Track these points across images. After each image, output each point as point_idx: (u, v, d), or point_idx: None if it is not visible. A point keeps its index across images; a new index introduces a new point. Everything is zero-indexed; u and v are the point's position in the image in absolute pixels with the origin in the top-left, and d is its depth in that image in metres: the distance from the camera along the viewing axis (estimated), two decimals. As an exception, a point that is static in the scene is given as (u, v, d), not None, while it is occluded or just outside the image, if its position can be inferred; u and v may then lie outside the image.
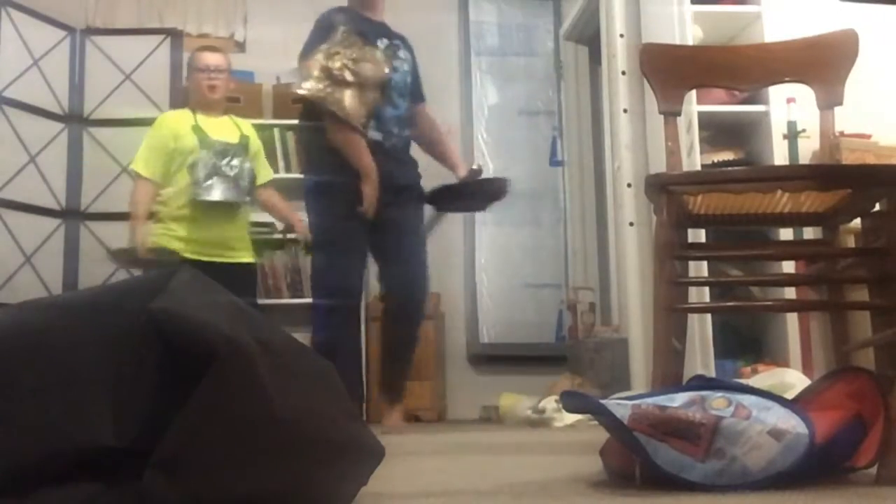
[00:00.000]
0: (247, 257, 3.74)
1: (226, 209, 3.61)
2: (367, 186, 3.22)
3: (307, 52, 3.29)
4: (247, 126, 3.87)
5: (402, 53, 3.46)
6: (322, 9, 5.02)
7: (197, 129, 3.64)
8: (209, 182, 3.56)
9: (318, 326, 3.33)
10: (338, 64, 3.17)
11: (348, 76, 3.17)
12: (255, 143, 3.85)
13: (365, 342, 4.31)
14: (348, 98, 3.17)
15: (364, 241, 3.32)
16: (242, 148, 3.70)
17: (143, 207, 3.60)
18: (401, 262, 3.38)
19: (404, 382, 3.54)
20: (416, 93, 3.57)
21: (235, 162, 3.62)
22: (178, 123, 3.68)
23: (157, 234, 3.61)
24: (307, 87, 3.18)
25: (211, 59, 3.75)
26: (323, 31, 3.30)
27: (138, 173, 3.67)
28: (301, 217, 3.68)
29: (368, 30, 3.33)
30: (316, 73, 3.17)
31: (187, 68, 3.90)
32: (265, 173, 3.90)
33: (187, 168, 3.58)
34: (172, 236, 3.60)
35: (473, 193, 3.50)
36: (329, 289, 3.28)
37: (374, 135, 3.31)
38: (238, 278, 3.57)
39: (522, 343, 5.18)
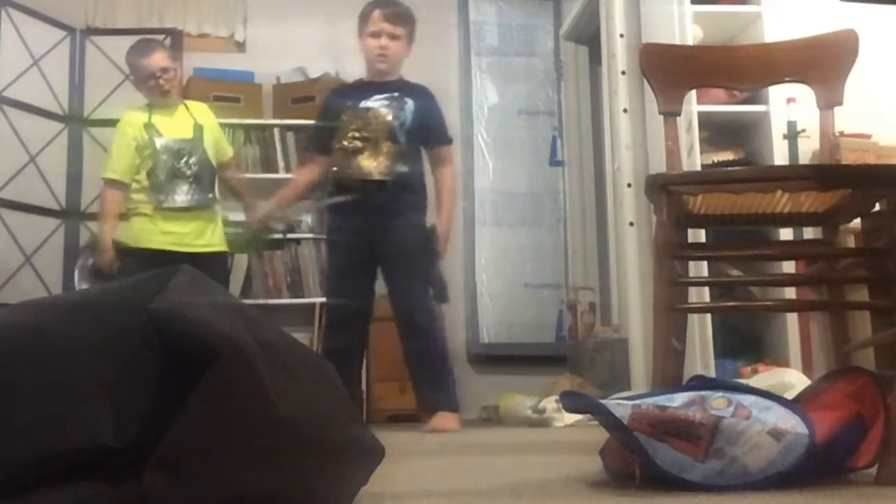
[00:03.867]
0: (219, 246, 3.77)
1: (191, 210, 3.66)
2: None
3: (313, 138, 3.78)
4: (201, 110, 3.83)
5: (401, 103, 3.57)
6: (321, 10, 5.03)
7: (149, 127, 3.64)
8: (170, 186, 3.60)
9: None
10: (347, 140, 3.51)
11: (358, 143, 3.49)
12: (212, 128, 3.82)
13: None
14: (364, 160, 3.49)
15: (365, 267, 3.59)
16: (197, 141, 3.69)
17: (112, 213, 3.66)
18: (396, 283, 3.56)
19: (433, 392, 3.50)
20: (425, 135, 3.61)
21: (193, 159, 3.63)
22: (134, 123, 3.68)
23: (133, 230, 3.65)
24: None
25: (153, 62, 3.67)
26: (324, 115, 3.73)
27: (106, 178, 3.69)
28: (259, 203, 3.80)
29: (362, 96, 3.59)
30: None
31: (136, 74, 3.82)
32: (224, 151, 3.90)
33: (146, 173, 3.62)
34: (147, 230, 3.63)
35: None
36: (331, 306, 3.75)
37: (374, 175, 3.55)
38: (210, 267, 3.56)
39: (522, 343, 5.17)
